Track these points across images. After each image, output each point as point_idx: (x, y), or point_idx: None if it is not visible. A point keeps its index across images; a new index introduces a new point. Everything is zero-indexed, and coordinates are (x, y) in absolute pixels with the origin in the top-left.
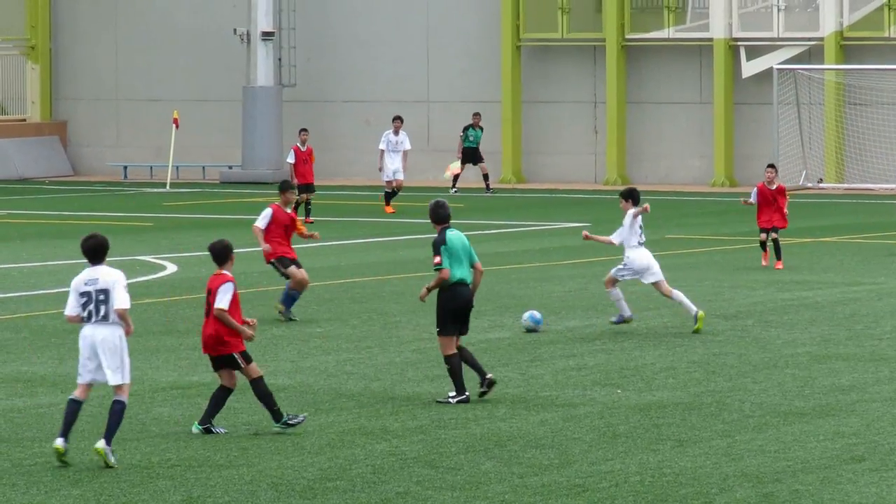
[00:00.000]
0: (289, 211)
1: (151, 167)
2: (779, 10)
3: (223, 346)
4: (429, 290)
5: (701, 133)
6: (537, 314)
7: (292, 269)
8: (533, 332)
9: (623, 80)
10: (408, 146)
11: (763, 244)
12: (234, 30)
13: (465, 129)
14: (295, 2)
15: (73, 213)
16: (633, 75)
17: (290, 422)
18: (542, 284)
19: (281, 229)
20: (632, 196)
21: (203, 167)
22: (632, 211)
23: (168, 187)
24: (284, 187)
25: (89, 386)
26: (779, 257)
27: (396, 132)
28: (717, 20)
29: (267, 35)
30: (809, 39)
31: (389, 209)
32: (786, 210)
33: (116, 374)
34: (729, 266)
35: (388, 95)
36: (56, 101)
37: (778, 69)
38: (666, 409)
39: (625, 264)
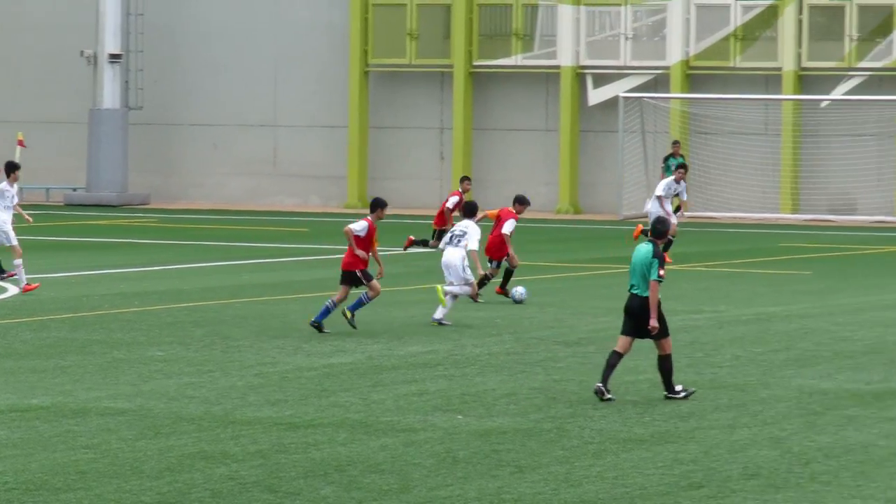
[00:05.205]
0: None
1: None
2: (626, 38)
3: None
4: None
5: (546, 160)
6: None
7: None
8: (519, 303)
9: (470, 107)
10: (685, 198)
11: None
12: (82, 52)
13: (666, 159)
14: (143, 24)
15: None
16: (479, 102)
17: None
18: (386, 309)
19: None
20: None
21: (47, 189)
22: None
23: None
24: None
25: None
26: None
27: (678, 182)
28: (564, 48)
29: (114, 57)
30: (656, 68)
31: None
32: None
33: None
34: (574, 293)
35: (235, 119)
36: None
37: (624, 97)
38: (506, 434)
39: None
